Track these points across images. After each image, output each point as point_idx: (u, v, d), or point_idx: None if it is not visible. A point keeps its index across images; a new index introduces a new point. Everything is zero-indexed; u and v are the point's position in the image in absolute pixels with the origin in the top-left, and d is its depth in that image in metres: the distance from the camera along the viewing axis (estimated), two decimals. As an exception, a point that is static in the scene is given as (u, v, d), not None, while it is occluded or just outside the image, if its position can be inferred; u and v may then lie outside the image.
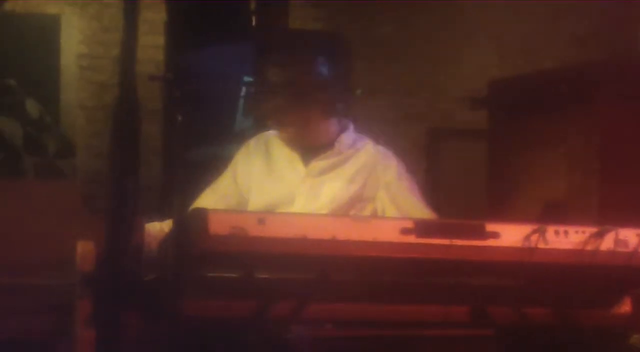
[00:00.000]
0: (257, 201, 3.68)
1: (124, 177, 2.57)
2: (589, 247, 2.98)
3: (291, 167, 3.71)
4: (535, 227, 2.95)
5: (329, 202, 3.63)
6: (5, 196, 4.84)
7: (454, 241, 2.87)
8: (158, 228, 3.36)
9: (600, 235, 2.99)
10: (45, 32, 6.44)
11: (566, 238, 2.97)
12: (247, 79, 4.29)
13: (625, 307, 3.26)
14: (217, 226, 2.69)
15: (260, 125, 3.91)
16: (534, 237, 2.93)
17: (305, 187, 3.67)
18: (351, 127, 3.78)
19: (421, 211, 3.66)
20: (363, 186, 3.68)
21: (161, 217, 3.41)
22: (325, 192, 3.65)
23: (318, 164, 3.70)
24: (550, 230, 2.96)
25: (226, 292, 2.89)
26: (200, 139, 4.82)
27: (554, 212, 4.71)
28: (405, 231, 2.84)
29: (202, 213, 2.72)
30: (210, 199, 3.73)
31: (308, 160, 3.71)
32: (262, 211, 3.47)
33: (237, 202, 3.72)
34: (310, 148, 3.72)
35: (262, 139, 3.81)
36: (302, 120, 3.66)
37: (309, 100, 3.64)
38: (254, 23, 5.36)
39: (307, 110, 3.65)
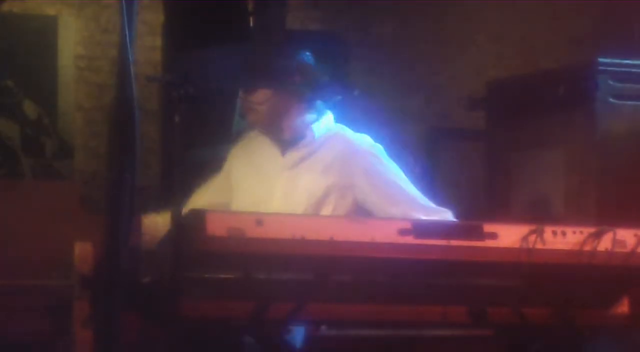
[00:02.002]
0: (241, 197, 3.68)
1: (122, 178, 2.56)
2: (586, 248, 2.98)
3: (271, 160, 3.71)
4: (533, 227, 2.95)
5: (306, 192, 3.60)
6: (4, 196, 4.84)
7: (451, 241, 2.87)
8: (154, 221, 3.33)
9: (598, 235, 2.99)
10: (43, 33, 6.41)
11: (564, 239, 2.97)
12: (244, 79, 4.28)
13: (623, 307, 3.26)
14: (215, 227, 2.69)
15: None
16: (532, 238, 2.93)
17: (284, 179, 3.66)
18: (328, 116, 3.74)
19: (405, 193, 3.59)
20: (338, 174, 3.62)
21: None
22: (302, 183, 3.62)
23: (292, 155, 3.69)
24: (548, 230, 2.96)
25: (224, 293, 2.89)
26: (198, 139, 4.81)
27: (551, 213, 4.71)
28: (403, 232, 2.84)
29: (200, 214, 2.72)
30: (203, 195, 3.73)
31: (285, 153, 3.71)
32: (248, 208, 3.47)
33: (230, 199, 3.72)
34: (288, 141, 3.70)
35: (248, 139, 3.82)
36: (275, 114, 3.65)
37: (278, 91, 3.64)
38: (252, 24, 5.35)
39: (281, 101, 3.64)
